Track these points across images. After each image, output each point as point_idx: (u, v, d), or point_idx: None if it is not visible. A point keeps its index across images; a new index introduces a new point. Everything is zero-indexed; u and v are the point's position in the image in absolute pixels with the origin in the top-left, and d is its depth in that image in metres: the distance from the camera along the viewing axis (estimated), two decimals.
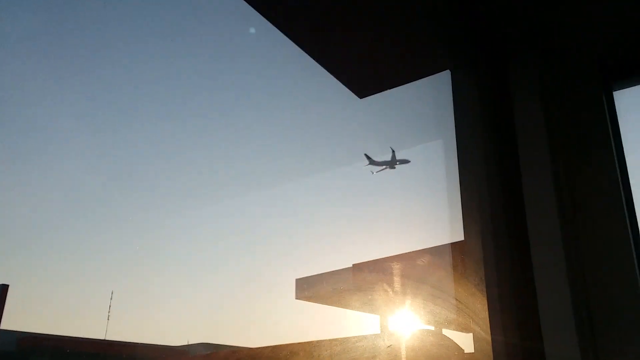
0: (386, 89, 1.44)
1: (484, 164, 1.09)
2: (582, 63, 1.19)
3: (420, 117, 1.19)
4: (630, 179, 1.18)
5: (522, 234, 1.06)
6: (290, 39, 1.33)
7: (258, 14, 1.25)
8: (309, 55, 1.34)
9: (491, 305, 1.03)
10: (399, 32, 1.23)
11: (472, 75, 1.15)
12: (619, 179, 1.12)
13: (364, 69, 1.40)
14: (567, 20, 1.19)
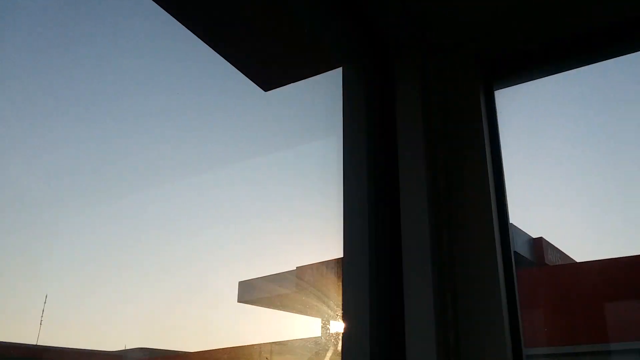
0: (291, 82, 1.46)
1: (365, 164, 1.11)
2: (463, 60, 1.23)
3: (332, 113, 1.21)
4: (505, 179, 1.23)
5: (396, 234, 1.09)
6: (192, 31, 1.34)
7: (159, 7, 1.26)
8: (211, 47, 1.36)
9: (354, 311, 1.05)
10: (298, 26, 1.25)
11: (360, 71, 1.18)
12: (492, 182, 1.16)
13: (267, 62, 1.42)
14: (450, 16, 1.22)
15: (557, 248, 9.39)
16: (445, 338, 1.04)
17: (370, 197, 1.09)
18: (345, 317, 1.08)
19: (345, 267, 1.09)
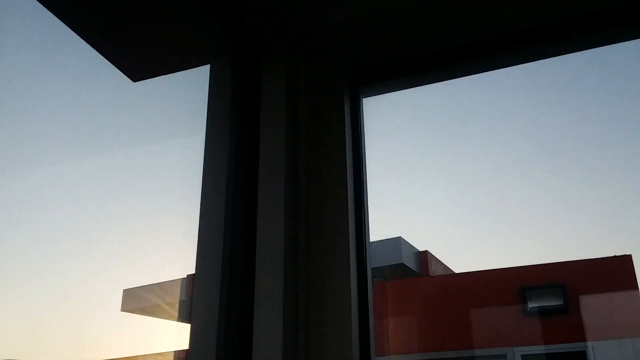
0: (160, 75, 1.42)
1: (225, 164, 1.09)
2: (331, 65, 1.25)
3: (202, 110, 1.17)
4: (368, 192, 1.27)
5: (251, 236, 1.08)
6: (59, 18, 1.26)
7: None
8: (78, 34, 1.29)
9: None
10: (168, 18, 1.22)
11: (228, 68, 1.17)
12: (352, 189, 1.17)
13: (136, 52, 1.36)
14: (321, 20, 1.24)
15: (440, 261, 9.98)
16: (294, 342, 1.05)
17: (227, 197, 1.07)
18: (194, 316, 1.05)
19: (198, 267, 1.06)
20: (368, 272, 1.19)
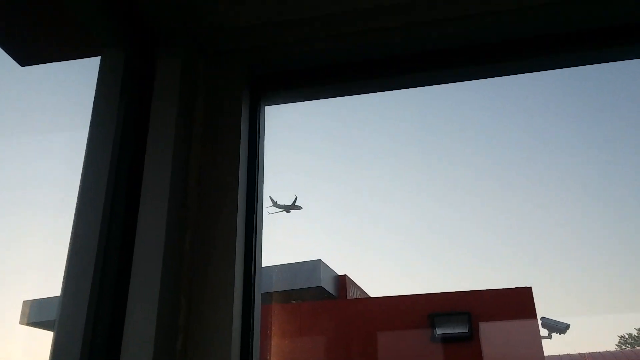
0: (50, 61, 1.33)
1: (108, 160, 1.01)
2: (233, 67, 1.21)
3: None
4: (263, 202, 1.23)
5: (130, 237, 1.01)
6: None
7: None
8: None
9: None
10: (60, 1, 1.14)
11: (119, 60, 1.10)
12: (244, 197, 1.13)
13: (24, 36, 1.26)
14: (225, 21, 1.21)
15: (358, 286, 10.06)
16: (169, 353, 0.98)
17: (107, 199, 0.99)
18: (58, 325, 0.96)
19: (68, 266, 0.98)
20: (256, 296, 1.14)
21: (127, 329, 0.94)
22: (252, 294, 1.13)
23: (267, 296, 8.00)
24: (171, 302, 1.00)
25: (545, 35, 1.21)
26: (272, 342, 6.48)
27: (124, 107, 1.06)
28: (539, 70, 1.30)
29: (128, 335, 0.94)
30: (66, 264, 1.00)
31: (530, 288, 6.30)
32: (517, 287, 6.47)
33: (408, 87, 1.34)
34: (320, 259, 9.30)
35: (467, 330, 6.08)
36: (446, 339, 6.12)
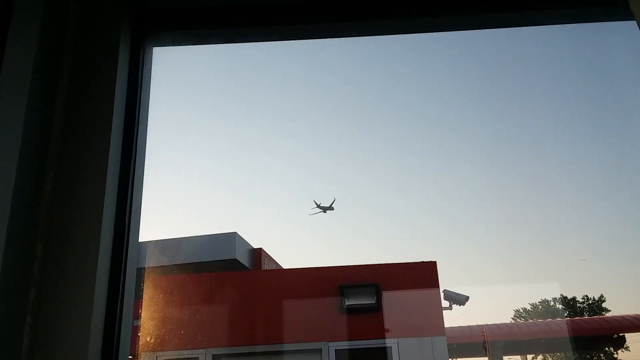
0: None
1: None
2: (113, 6, 1.11)
3: None
4: (145, 150, 1.12)
5: None
6: None
7: None
8: None
9: None
10: None
11: None
12: (115, 158, 1.04)
13: None
14: None
15: (273, 259, 10.09)
16: (14, 347, 0.87)
17: None
18: None
19: None
20: (130, 249, 1.05)
21: None
22: (125, 248, 1.04)
23: (177, 267, 7.81)
24: (23, 249, 0.89)
25: None
26: (172, 310, 6.34)
27: None
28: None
29: None
30: None
31: (435, 262, 6.60)
32: (422, 261, 6.75)
33: (309, 38, 1.29)
34: (235, 232, 9.20)
35: (374, 302, 6.28)
36: (354, 310, 6.28)
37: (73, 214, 0.97)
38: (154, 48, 1.21)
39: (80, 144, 1.01)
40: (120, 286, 1.01)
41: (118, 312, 1.00)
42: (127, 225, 1.05)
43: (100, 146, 1.00)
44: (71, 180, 0.98)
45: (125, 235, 1.04)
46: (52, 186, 0.97)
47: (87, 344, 0.90)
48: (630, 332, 10.65)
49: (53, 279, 0.93)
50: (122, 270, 1.03)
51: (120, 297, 1.01)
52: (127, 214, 1.06)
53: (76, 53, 1.05)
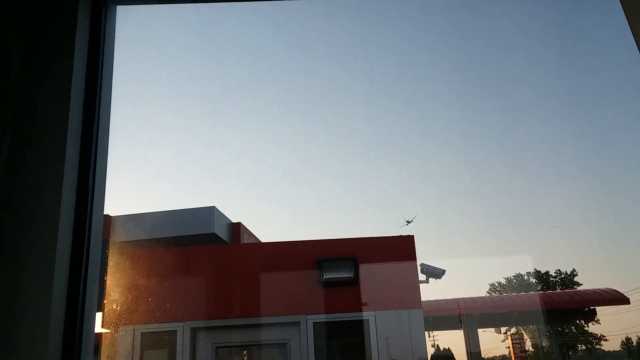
0: None
1: None
2: None
3: None
4: (109, 115, 1.07)
5: None
6: None
7: None
8: None
9: None
10: None
11: None
12: (76, 127, 0.98)
13: None
14: None
15: (252, 234, 10.07)
16: None
17: None
18: None
19: None
20: (93, 247, 1.00)
21: None
22: (88, 217, 1.00)
23: (156, 241, 7.74)
24: None
25: None
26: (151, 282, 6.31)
27: None
28: None
29: None
30: None
31: (412, 236, 6.66)
32: (400, 235, 6.80)
33: None
34: (214, 206, 9.13)
35: (352, 275, 6.32)
36: (332, 283, 6.32)
37: (32, 179, 0.93)
38: (117, 6, 1.15)
39: (38, 104, 0.96)
40: (84, 257, 0.98)
41: (82, 281, 0.97)
42: (90, 190, 1.01)
43: (60, 106, 0.95)
44: (28, 141, 0.94)
45: (89, 203, 1.01)
46: (8, 148, 0.93)
47: (48, 316, 0.87)
48: (601, 306, 10.98)
49: (12, 249, 0.89)
50: (86, 240, 0.99)
51: (84, 267, 0.98)
52: (91, 180, 1.02)
53: (33, 12, 0.99)
